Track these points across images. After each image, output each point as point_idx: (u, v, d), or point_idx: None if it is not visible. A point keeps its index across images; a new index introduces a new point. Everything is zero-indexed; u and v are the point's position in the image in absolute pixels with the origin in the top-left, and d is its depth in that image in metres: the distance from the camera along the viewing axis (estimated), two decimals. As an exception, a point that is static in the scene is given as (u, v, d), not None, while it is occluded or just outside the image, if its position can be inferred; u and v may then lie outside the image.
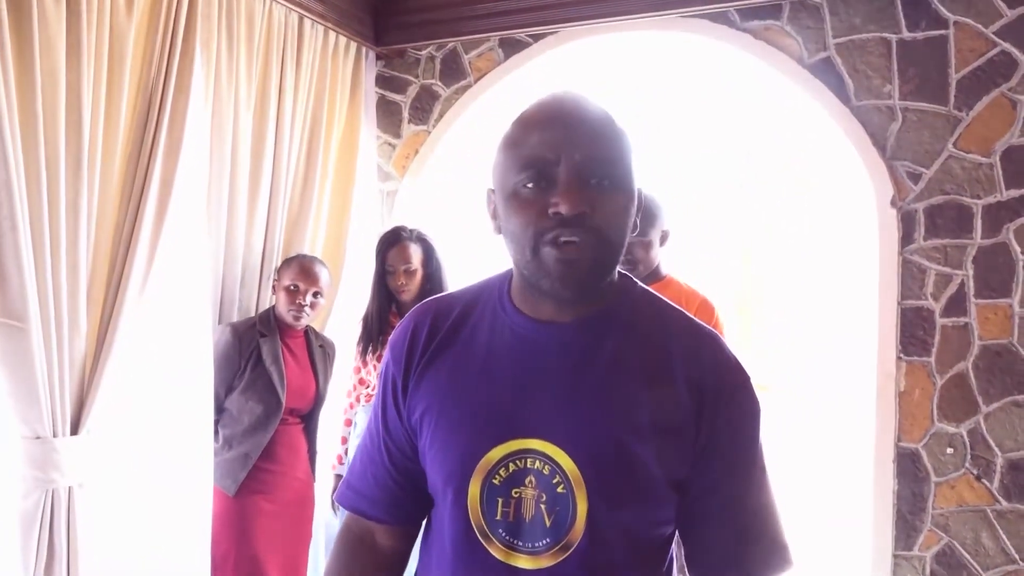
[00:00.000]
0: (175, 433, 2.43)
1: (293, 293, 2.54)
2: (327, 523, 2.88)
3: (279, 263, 2.73)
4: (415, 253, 2.71)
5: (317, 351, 2.70)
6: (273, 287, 2.66)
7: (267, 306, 2.74)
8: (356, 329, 2.84)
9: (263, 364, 2.48)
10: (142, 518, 2.35)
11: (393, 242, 2.72)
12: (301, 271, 2.57)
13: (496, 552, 0.98)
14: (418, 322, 1.08)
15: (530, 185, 0.93)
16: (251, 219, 2.75)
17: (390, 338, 1.12)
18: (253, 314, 2.74)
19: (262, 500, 2.49)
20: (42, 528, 1.98)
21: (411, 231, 2.76)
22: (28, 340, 1.91)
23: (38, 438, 1.97)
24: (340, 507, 1.19)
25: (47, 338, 1.97)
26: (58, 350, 2.00)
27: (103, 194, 2.14)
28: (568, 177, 0.91)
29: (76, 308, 2.05)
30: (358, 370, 2.78)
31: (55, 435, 2.00)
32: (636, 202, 0.99)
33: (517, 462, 0.97)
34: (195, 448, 2.45)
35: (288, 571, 2.57)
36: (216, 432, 2.51)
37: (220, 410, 2.50)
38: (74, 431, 2.06)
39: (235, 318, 2.70)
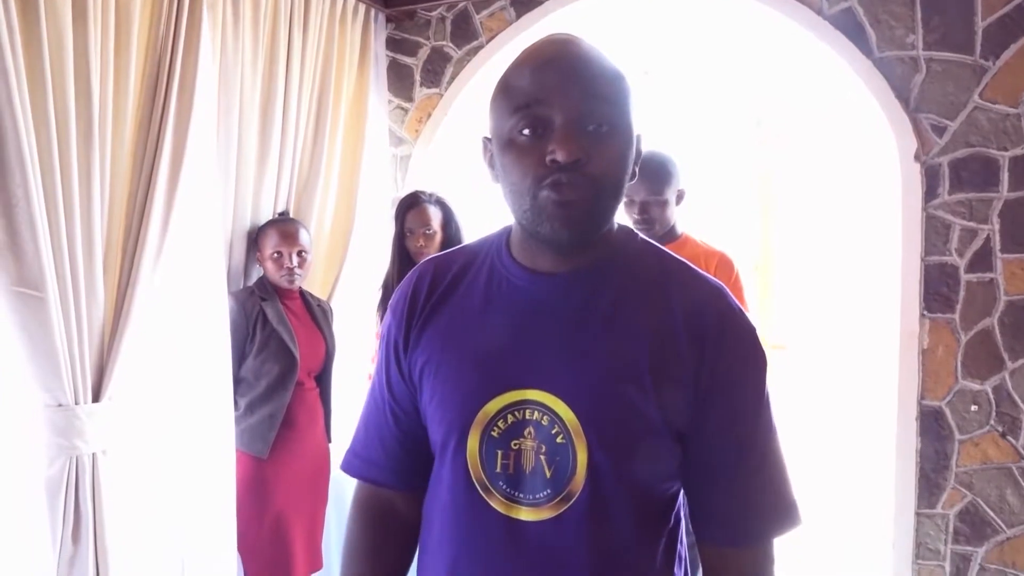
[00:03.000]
0: (196, 398, 2.45)
1: (279, 260, 2.56)
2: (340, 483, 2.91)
3: (256, 234, 2.70)
4: (434, 215, 2.70)
5: (316, 310, 2.72)
6: (257, 259, 2.65)
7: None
8: (376, 295, 2.84)
9: (271, 325, 2.50)
10: (166, 483, 2.37)
11: (412, 205, 2.71)
12: (280, 236, 2.57)
13: (497, 505, 0.97)
14: (418, 279, 1.08)
15: (526, 132, 0.92)
16: (259, 185, 2.73)
17: (391, 299, 1.11)
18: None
19: (284, 464, 2.52)
20: (67, 494, 2.00)
21: (430, 194, 2.75)
22: (46, 309, 1.91)
23: (60, 406, 1.99)
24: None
25: (65, 306, 1.97)
26: (76, 318, 2.00)
27: (115, 160, 2.12)
28: (564, 122, 0.90)
29: (93, 276, 2.05)
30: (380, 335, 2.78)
31: (77, 403, 2.01)
32: (635, 147, 0.97)
33: (515, 413, 0.96)
34: (216, 412, 2.46)
35: (309, 534, 2.61)
36: (235, 402, 2.52)
37: (236, 380, 2.51)
38: (95, 398, 2.07)
39: (244, 284, 2.71)
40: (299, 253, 2.59)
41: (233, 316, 2.48)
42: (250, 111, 2.66)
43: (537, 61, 0.94)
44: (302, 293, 2.71)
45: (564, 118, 0.90)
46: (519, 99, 0.92)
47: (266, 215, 2.75)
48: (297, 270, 2.58)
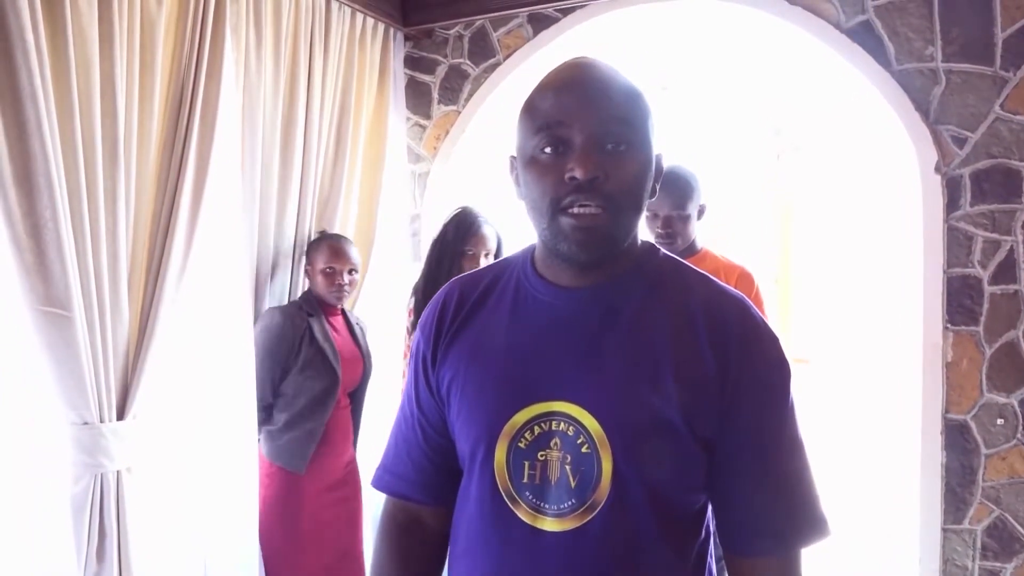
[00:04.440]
0: (219, 416, 2.46)
1: (331, 275, 2.59)
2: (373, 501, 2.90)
3: (306, 246, 2.75)
4: (492, 240, 2.67)
5: (356, 328, 2.75)
6: (306, 271, 2.68)
7: (300, 288, 2.79)
8: (409, 302, 2.77)
9: (317, 342, 2.52)
10: (190, 501, 2.39)
11: (478, 226, 2.62)
12: (334, 253, 2.60)
13: (523, 515, 0.98)
14: (446, 298, 1.12)
15: (547, 151, 0.96)
16: (283, 203, 2.77)
17: (420, 318, 1.14)
18: (288, 296, 2.79)
19: (319, 480, 2.52)
20: (92, 512, 2.02)
21: (485, 217, 2.69)
22: (73, 328, 1.93)
23: (86, 424, 2.01)
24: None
25: (91, 325, 2.00)
26: (102, 337, 2.03)
27: (140, 181, 2.16)
28: (583, 142, 0.93)
29: (118, 295, 2.08)
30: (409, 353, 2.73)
31: (102, 421, 2.04)
32: (653, 166, 1.00)
33: (542, 425, 0.98)
34: (239, 430, 2.47)
35: (344, 550, 2.60)
36: (270, 416, 2.53)
37: (275, 395, 2.52)
38: (120, 416, 2.10)
39: (269, 301, 2.73)
40: (350, 271, 2.63)
41: (281, 330, 2.49)
42: (272, 131, 2.69)
43: (559, 84, 0.98)
44: (343, 310, 2.74)
45: (583, 138, 0.94)
46: (541, 120, 0.96)
47: (289, 234, 2.78)
48: (346, 288, 2.62)
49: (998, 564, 2.68)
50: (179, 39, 2.27)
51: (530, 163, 0.97)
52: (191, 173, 2.26)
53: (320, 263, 2.60)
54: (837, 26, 2.79)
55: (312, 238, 2.83)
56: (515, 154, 1.04)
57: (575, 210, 0.93)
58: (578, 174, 0.92)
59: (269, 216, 2.71)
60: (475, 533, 1.03)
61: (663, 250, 1.09)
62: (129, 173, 2.11)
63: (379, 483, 1.17)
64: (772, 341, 1.00)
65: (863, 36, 2.75)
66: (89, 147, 1.98)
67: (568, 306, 1.01)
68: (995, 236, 2.64)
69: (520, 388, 0.99)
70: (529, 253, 1.09)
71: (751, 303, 1.03)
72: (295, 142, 2.78)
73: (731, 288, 1.05)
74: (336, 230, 2.99)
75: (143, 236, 2.19)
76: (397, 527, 1.15)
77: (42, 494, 2.03)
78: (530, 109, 0.99)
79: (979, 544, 2.69)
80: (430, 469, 1.12)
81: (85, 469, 2.01)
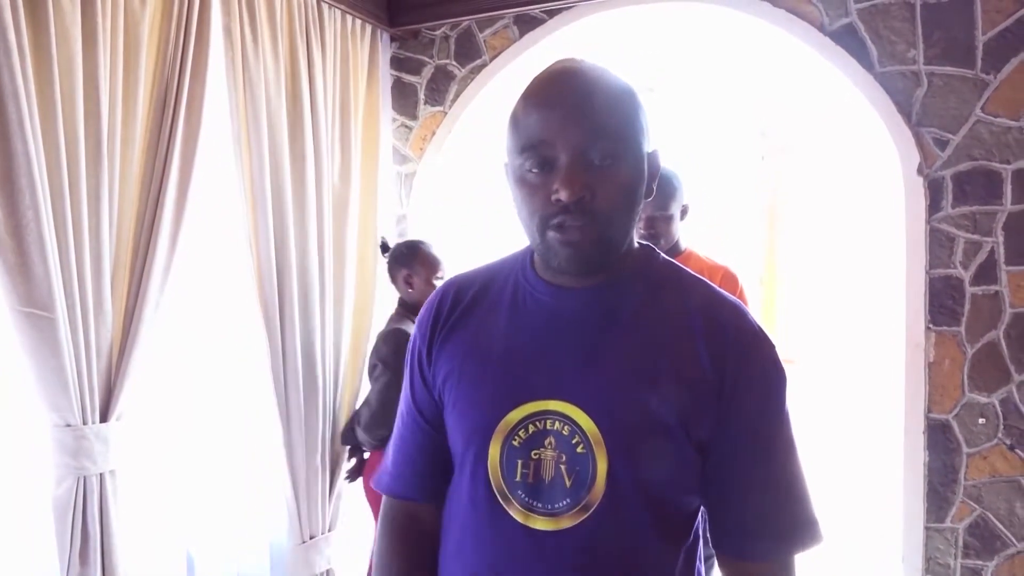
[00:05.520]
0: (205, 418, 2.45)
1: (434, 285, 2.63)
2: None
3: (399, 255, 2.74)
4: None
5: None
6: (407, 281, 2.69)
7: (332, 294, 2.86)
8: None
9: None
10: (175, 503, 2.37)
11: None
12: (438, 264, 2.67)
13: (515, 514, 0.98)
14: (442, 296, 1.12)
15: (534, 170, 0.95)
16: (299, 202, 2.76)
17: (418, 316, 1.16)
18: (316, 300, 2.79)
19: None
20: (75, 515, 2.00)
21: None
22: (55, 329, 1.92)
23: (68, 426, 2.00)
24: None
25: (74, 326, 1.98)
26: (85, 338, 2.02)
27: (123, 181, 2.15)
28: (567, 162, 0.93)
29: (101, 296, 2.07)
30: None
31: (85, 423, 2.02)
32: (646, 169, 0.99)
33: (536, 423, 0.98)
34: (225, 432, 2.47)
35: None
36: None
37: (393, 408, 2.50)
38: (103, 418, 2.08)
39: (300, 308, 2.71)
40: None
41: (405, 345, 2.48)
42: (280, 130, 2.68)
43: (542, 99, 0.96)
44: None
45: (568, 158, 0.93)
46: (525, 139, 0.95)
47: (314, 240, 2.77)
48: None
49: (979, 562, 2.70)
50: (163, 39, 2.25)
51: (519, 182, 0.97)
52: (175, 173, 2.25)
53: (425, 273, 2.66)
54: (821, 29, 2.81)
55: (333, 240, 2.82)
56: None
57: (561, 233, 0.94)
58: (563, 196, 0.91)
59: (286, 216, 2.69)
60: (467, 531, 1.03)
61: (662, 254, 1.09)
62: (112, 173, 2.09)
63: (378, 484, 1.18)
64: (768, 346, 1.01)
65: (846, 39, 2.78)
66: (72, 147, 1.97)
67: (567, 306, 1.01)
68: (976, 237, 2.66)
69: (516, 386, 0.99)
70: (528, 253, 1.09)
71: (748, 310, 1.04)
72: (302, 140, 2.78)
73: (727, 293, 1.05)
74: (345, 230, 2.99)
75: (127, 237, 2.17)
76: (394, 526, 1.15)
77: (24, 496, 2.01)
78: (515, 125, 0.98)
79: (961, 542, 2.72)
80: (425, 467, 1.12)
81: (68, 471, 2.00)
